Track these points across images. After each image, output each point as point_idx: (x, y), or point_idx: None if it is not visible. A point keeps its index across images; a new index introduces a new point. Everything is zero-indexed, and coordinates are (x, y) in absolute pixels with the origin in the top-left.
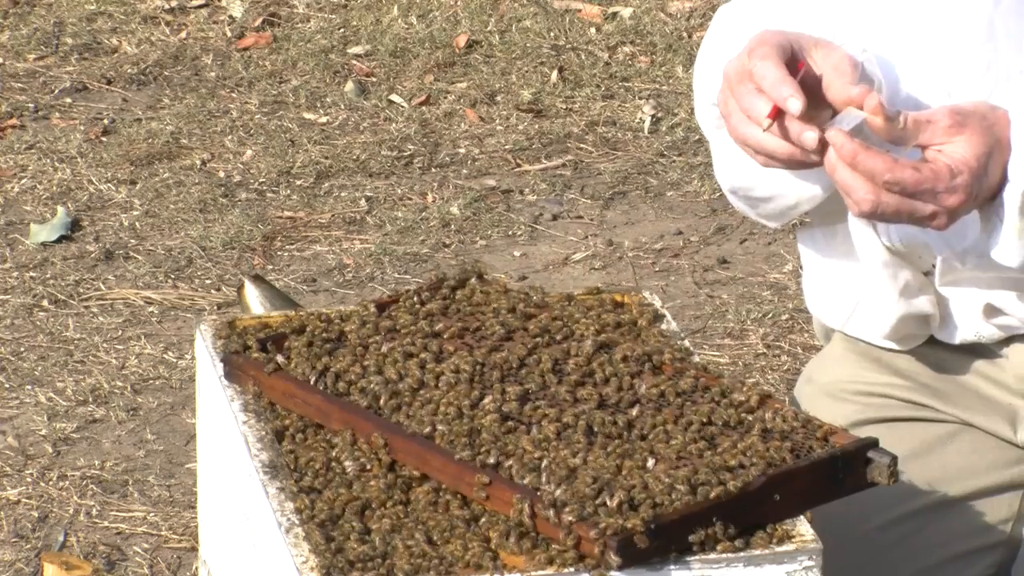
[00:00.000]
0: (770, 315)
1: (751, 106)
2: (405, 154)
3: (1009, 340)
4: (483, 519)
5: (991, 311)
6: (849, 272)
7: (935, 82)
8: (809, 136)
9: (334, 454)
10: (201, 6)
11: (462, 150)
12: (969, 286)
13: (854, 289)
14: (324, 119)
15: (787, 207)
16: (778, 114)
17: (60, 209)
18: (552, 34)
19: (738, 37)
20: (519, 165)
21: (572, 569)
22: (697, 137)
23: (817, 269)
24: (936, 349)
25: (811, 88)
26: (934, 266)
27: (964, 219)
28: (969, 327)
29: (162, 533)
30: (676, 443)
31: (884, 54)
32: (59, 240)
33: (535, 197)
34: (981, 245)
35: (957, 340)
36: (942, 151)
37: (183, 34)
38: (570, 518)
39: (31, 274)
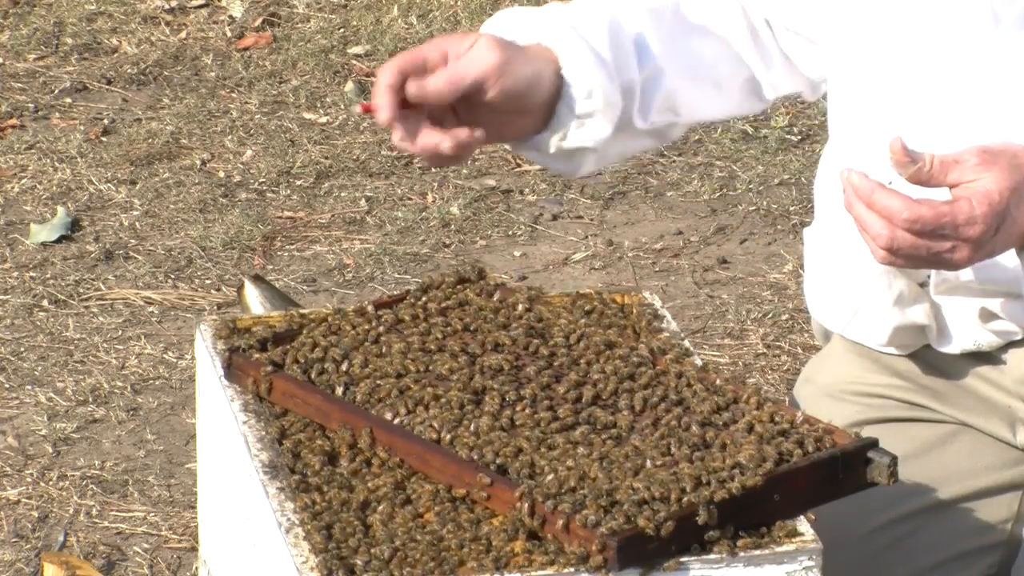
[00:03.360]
0: (770, 315)
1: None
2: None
3: (1008, 346)
4: (484, 519)
5: (987, 316)
6: (850, 277)
7: (946, 73)
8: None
9: (334, 454)
10: (201, 6)
11: None
12: (964, 294)
13: (854, 295)
14: (324, 119)
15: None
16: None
17: (60, 209)
18: None
19: None
20: (519, 165)
21: (572, 569)
22: (697, 137)
23: (819, 271)
24: (935, 351)
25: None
26: (929, 277)
27: None
28: (967, 336)
29: (162, 533)
30: (676, 444)
31: (893, 51)
32: (59, 240)
33: (535, 197)
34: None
35: (957, 350)
36: (969, 187)
37: (183, 34)
38: (570, 518)
39: (31, 274)
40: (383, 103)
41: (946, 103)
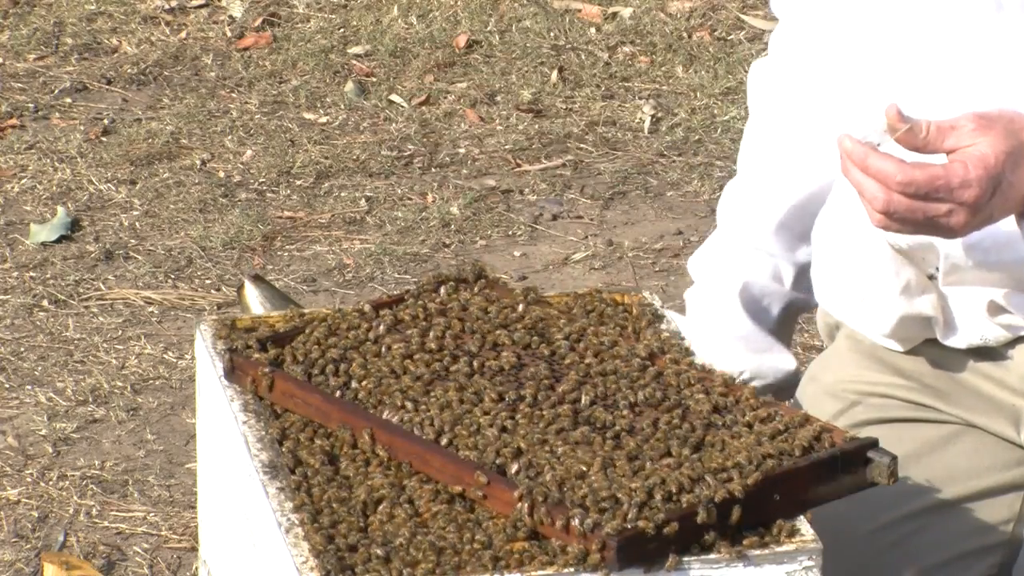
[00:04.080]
0: None
1: None
2: (405, 154)
3: (1014, 342)
4: (483, 519)
5: (995, 309)
6: (856, 264)
7: (950, 58)
8: None
9: (334, 454)
10: (201, 6)
11: (462, 150)
12: (973, 285)
13: (861, 281)
14: (324, 119)
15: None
16: None
17: (60, 209)
18: (552, 34)
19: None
20: (519, 165)
21: (572, 569)
22: (697, 137)
23: (826, 258)
24: (940, 349)
25: None
26: (938, 269)
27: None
28: (974, 329)
29: (162, 533)
30: (676, 444)
31: (894, 37)
32: (59, 240)
33: (535, 197)
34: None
35: (964, 345)
36: (965, 152)
37: (183, 34)
38: (570, 518)
39: (31, 274)
40: None
41: (950, 89)
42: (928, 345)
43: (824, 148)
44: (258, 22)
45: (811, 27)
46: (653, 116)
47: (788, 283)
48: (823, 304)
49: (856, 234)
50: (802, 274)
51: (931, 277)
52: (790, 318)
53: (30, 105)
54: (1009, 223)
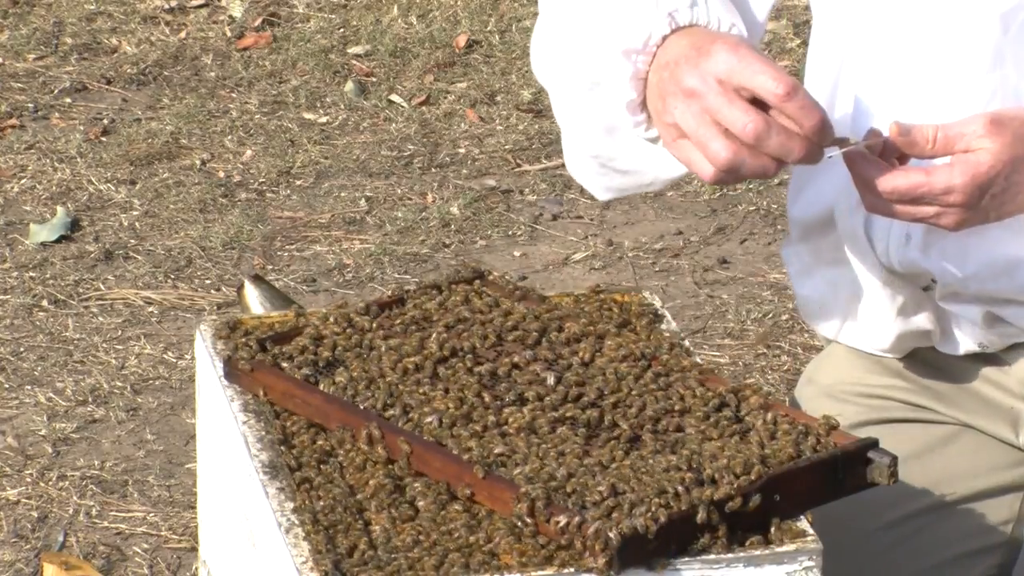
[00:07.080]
0: (770, 315)
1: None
2: (405, 154)
3: (1012, 347)
4: (483, 519)
5: (992, 320)
6: (838, 284)
7: (940, 112)
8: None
9: (334, 454)
10: (201, 6)
11: (462, 150)
12: (970, 302)
13: (845, 301)
14: (324, 119)
15: (640, 184)
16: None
17: (60, 209)
18: None
19: None
20: (519, 165)
21: (572, 569)
22: None
23: (804, 282)
24: (938, 353)
25: None
26: (934, 280)
27: (966, 243)
28: (971, 338)
29: (162, 533)
30: (676, 444)
31: (889, 85)
32: (59, 240)
33: (535, 197)
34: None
35: (961, 352)
36: (964, 156)
37: (183, 34)
38: (569, 518)
39: (31, 274)
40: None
41: (946, 115)
42: (926, 348)
43: None
44: (258, 22)
45: None
46: None
47: None
48: (811, 324)
49: (836, 256)
50: None
51: (926, 288)
52: None
53: (30, 105)
54: (1007, 250)
